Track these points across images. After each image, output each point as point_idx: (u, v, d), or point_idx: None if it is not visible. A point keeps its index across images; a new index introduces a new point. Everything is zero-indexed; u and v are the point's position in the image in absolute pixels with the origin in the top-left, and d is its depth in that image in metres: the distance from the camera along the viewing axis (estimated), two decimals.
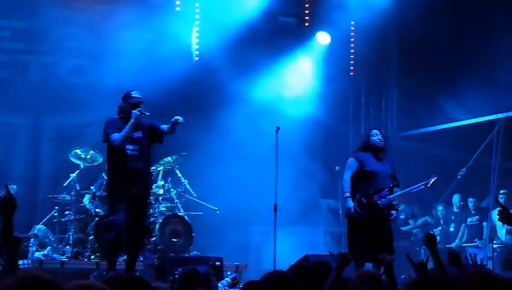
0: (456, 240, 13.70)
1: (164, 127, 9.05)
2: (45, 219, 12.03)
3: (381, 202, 9.26)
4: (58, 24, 13.09)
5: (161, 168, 12.31)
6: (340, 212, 13.44)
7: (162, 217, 11.58)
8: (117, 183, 8.96)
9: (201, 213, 12.57)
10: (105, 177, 10.39)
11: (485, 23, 13.61)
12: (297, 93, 14.75)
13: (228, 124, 13.53)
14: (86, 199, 11.85)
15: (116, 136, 8.87)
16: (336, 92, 14.99)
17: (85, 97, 13.16)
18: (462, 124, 14.12)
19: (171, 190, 12.10)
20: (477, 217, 13.57)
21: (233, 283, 7.55)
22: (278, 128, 10.58)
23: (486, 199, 13.63)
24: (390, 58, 15.74)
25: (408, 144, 15.12)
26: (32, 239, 11.42)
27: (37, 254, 11.26)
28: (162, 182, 12.09)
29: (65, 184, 11.98)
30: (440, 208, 14.25)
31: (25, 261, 10.75)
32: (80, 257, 11.34)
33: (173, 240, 11.52)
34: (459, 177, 13.92)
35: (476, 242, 13.42)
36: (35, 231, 11.61)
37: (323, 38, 14.99)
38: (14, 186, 10.28)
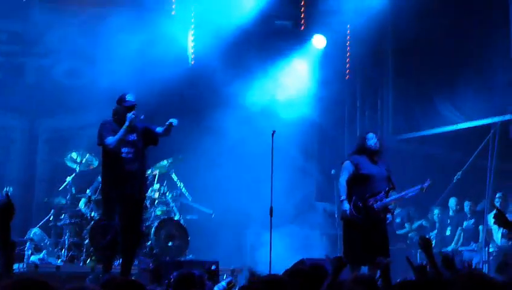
0: (452, 244, 13.70)
1: (159, 129, 9.05)
2: (41, 223, 12.02)
3: (376, 205, 9.25)
4: (54, 27, 13.08)
5: (157, 171, 12.31)
6: (336, 215, 13.43)
7: (158, 221, 11.57)
8: (112, 186, 8.94)
9: (197, 217, 12.56)
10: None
11: (481, 25, 13.61)
12: (293, 96, 14.75)
13: (224, 127, 13.52)
14: (82, 203, 11.83)
15: (110, 139, 8.86)
16: (331, 95, 15.01)
17: (81, 99, 13.16)
18: (458, 127, 14.12)
19: (167, 193, 12.09)
20: (473, 220, 13.56)
21: (229, 287, 7.53)
22: (274, 132, 10.59)
23: (482, 202, 13.64)
24: (385, 61, 15.75)
25: (404, 147, 15.12)
26: (27, 243, 11.40)
27: (32, 258, 11.23)
28: (158, 186, 12.09)
29: (61, 188, 11.98)
30: (436, 211, 14.25)
31: (21, 265, 10.73)
32: (75, 261, 11.33)
33: (169, 243, 11.50)
34: (455, 180, 13.92)
35: (472, 246, 13.42)
36: (31, 235, 11.60)
37: (319, 41, 15.00)
38: (11, 188, 10.28)
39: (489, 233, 13.23)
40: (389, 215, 9.45)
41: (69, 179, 11.85)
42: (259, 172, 11.86)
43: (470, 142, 13.96)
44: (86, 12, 13.28)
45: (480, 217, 13.48)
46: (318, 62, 15.09)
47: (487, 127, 13.55)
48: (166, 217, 11.81)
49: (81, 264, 11.16)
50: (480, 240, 13.31)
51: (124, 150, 8.92)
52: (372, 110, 15.93)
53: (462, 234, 13.67)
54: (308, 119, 14.76)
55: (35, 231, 11.69)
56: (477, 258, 13.21)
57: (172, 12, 14.13)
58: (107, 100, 9.99)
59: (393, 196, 9.47)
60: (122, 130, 8.86)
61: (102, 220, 9.31)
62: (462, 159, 14.04)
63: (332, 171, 12.58)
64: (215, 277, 9.01)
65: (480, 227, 13.35)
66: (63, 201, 11.84)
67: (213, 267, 9.27)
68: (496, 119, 13.34)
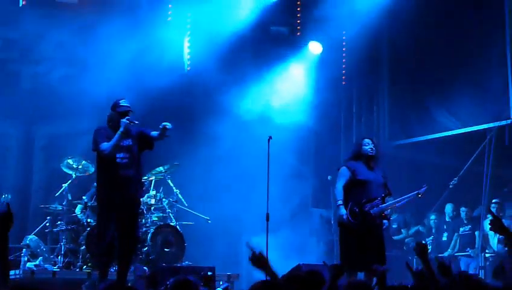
0: (449, 250, 13.71)
1: (154, 133, 9.04)
2: (37, 229, 12.00)
3: (373, 211, 9.26)
4: (49, 33, 13.05)
5: (153, 177, 12.31)
6: (332, 221, 13.43)
7: (154, 227, 11.56)
8: (107, 191, 8.93)
9: (193, 223, 12.55)
10: None
11: (476, 33, 13.64)
12: (289, 102, 14.75)
13: (220, 134, 13.51)
14: (78, 209, 11.82)
15: (105, 145, 8.86)
16: (327, 101, 15.02)
17: (76, 106, 13.12)
18: (454, 133, 14.13)
19: (163, 199, 12.08)
20: (469, 226, 13.57)
21: None
22: (270, 137, 10.58)
23: (478, 208, 13.66)
24: (381, 67, 15.78)
25: (400, 153, 15.14)
26: (24, 249, 11.38)
27: (28, 264, 11.20)
28: (154, 192, 12.08)
29: (57, 194, 11.96)
30: (432, 217, 14.27)
31: (17, 272, 10.70)
32: (71, 267, 11.30)
33: (165, 249, 11.49)
34: (451, 186, 13.93)
35: (468, 251, 13.43)
36: (27, 241, 11.57)
37: (315, 47, 15.02)
38: (9, 196, 10.27)
39: (485, 239, 13.24)
40: (385, 221, 9.46)
41: (65, 185, 11.84)
42: (255, 178, 11.84)
43: (466, 148, 13.98)
44: (82, 18, 13.27)
45: (476, 223, 13.49)
46: (314, 68, 15.11)
47: (483, 132, 13.58)
48: (162, 223, 11.81)
49: (77, 271, 11.13)
50: (476, 246, 13.33)
51: (119, 155, 8.91)
52: (368, 116, 15.95)
53: (458, 240, 13.69)
54: (304, 125, 14.75)
55: (31, 238, 11.66)
56: (473, 264, 13.22)
57: (168, 19, 14.11)
58: (103, 106, 9.98)
59: (390, 201, 9.49)
60: (116, 136, 8.86)
61: (98, 225, 9.29)
62: (458, 165, 14.05)
63: (329, 177, 12.59)
64: (211, 283, 9.00)
65: (477, 233, 13.37)
66: (59, 207, 11.82)
67: (209, 273, 9.25)
68: (492, 125, 13.36)
